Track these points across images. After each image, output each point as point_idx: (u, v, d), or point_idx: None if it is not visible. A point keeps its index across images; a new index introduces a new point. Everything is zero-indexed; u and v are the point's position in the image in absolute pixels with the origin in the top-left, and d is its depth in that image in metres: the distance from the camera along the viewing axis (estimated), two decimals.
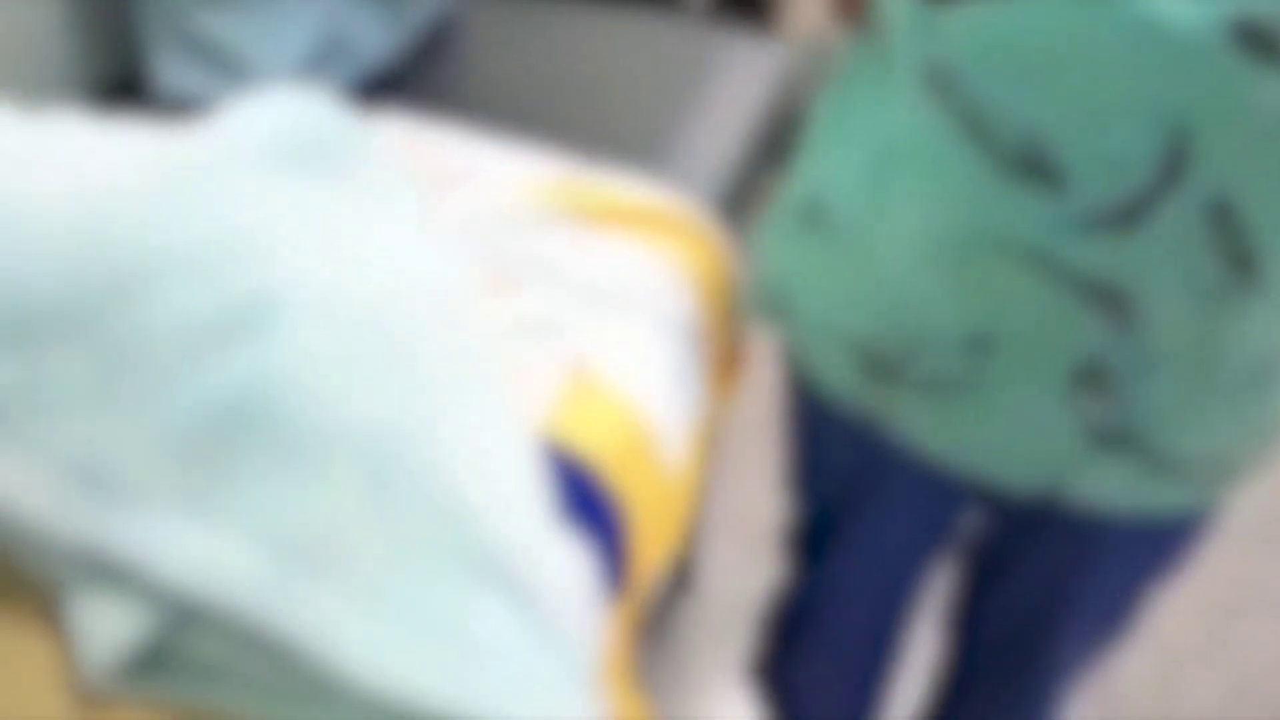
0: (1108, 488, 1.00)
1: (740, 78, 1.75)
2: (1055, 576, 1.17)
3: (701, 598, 1.98)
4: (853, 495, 1.25)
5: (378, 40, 1.58)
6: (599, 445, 1.04)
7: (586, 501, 0.99)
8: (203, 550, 0.73)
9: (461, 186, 1.31)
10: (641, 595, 1.09)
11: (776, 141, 1.81)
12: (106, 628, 0.74)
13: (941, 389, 1.01)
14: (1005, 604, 1.26)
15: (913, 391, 1.04)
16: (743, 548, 2.00)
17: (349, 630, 0.72)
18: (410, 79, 1.61)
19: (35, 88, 1.43)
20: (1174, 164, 0.78)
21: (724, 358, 1.39)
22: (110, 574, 0.75)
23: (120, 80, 1.57)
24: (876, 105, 0.97)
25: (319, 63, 1.49)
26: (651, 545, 1.08)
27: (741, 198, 1.65)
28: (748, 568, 1.92)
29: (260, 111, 0.94)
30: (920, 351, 1.00)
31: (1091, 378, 0.91)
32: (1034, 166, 0.82)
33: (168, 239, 0.80)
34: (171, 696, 0.76)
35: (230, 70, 1.45)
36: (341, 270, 0.83)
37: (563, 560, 0.82)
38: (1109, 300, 0.86)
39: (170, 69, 1.45)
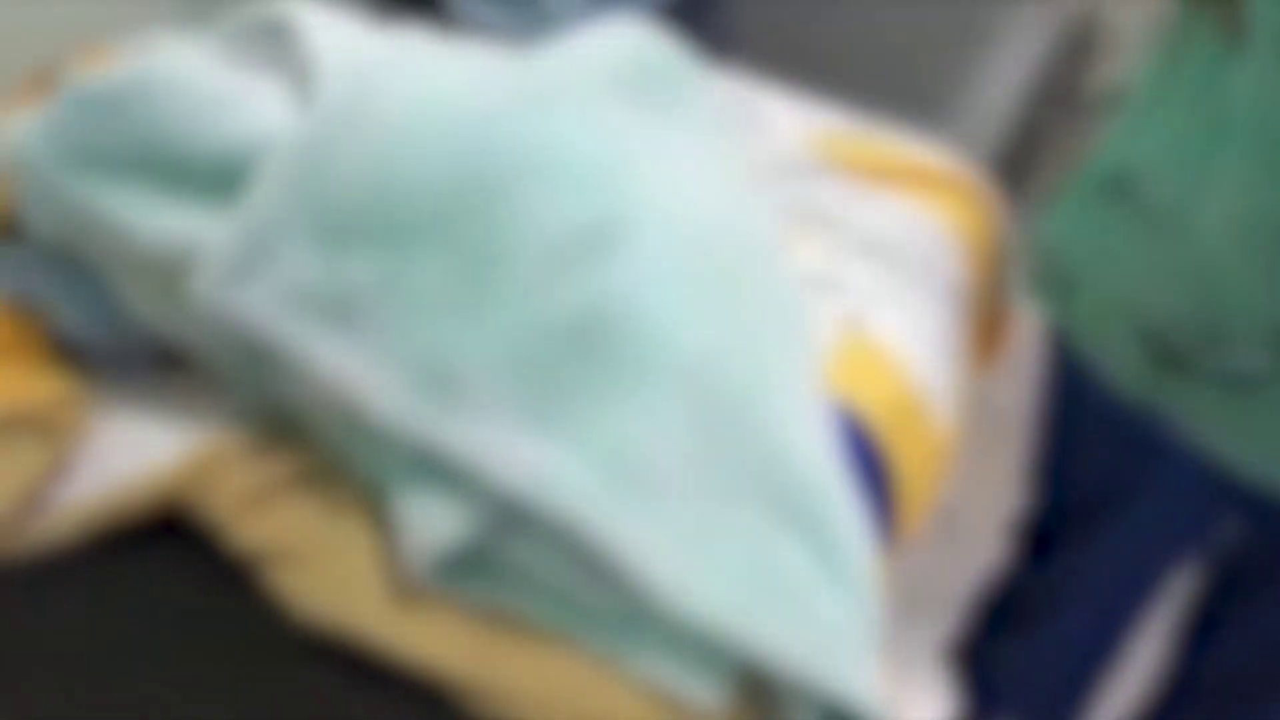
0: None
1: (1020, 38, 1.69)
2: None
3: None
4: (1108, 491, 1.21)
5: None
6: (873, 404, 1.04)
7: (861, 459, 1.00)
8: (536, 460, 0.77)
9: (746, 131, 1.31)
10: (898, 559, 1.09)
11: (1053, 105, 1.74)
12: (431, 525, 0.79)
13: (1241, 384, 0.97)
14: (1248, 627, 1.21)
15: (1206, 384, 1.00)
16: (942, 524, 1.96)
17: (666, 554, 0.75)
18: (689, 21, 1.62)
19: None
20: None
21: (986, 329, 1.36)
22: (442, 474, 0.79)
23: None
24: (1213, 75, 0.92)
25: (607, 2, 1.51)
26: (914, 509, 1.08)
27: (1018, 161, 1.60)
28: (943, 547, 1.88)
29: (605, 39, 0.96)
30: (1224, 341, 0.96)
31: None
32: None
33: (534, 153, 0.83)
34: (484, 600, 0.81)
35: (524, 6, 1.49)
36: (681, 200, 0.85)
37: (859, 512, 0.83)
38: None
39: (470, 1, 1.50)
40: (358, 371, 0.80)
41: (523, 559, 0.80)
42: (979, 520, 1.75)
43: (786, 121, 1.37)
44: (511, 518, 0.78)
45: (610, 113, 0.89)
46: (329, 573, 0.83)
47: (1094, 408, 1.15)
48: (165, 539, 0.88)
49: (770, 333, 0.86)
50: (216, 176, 0.84)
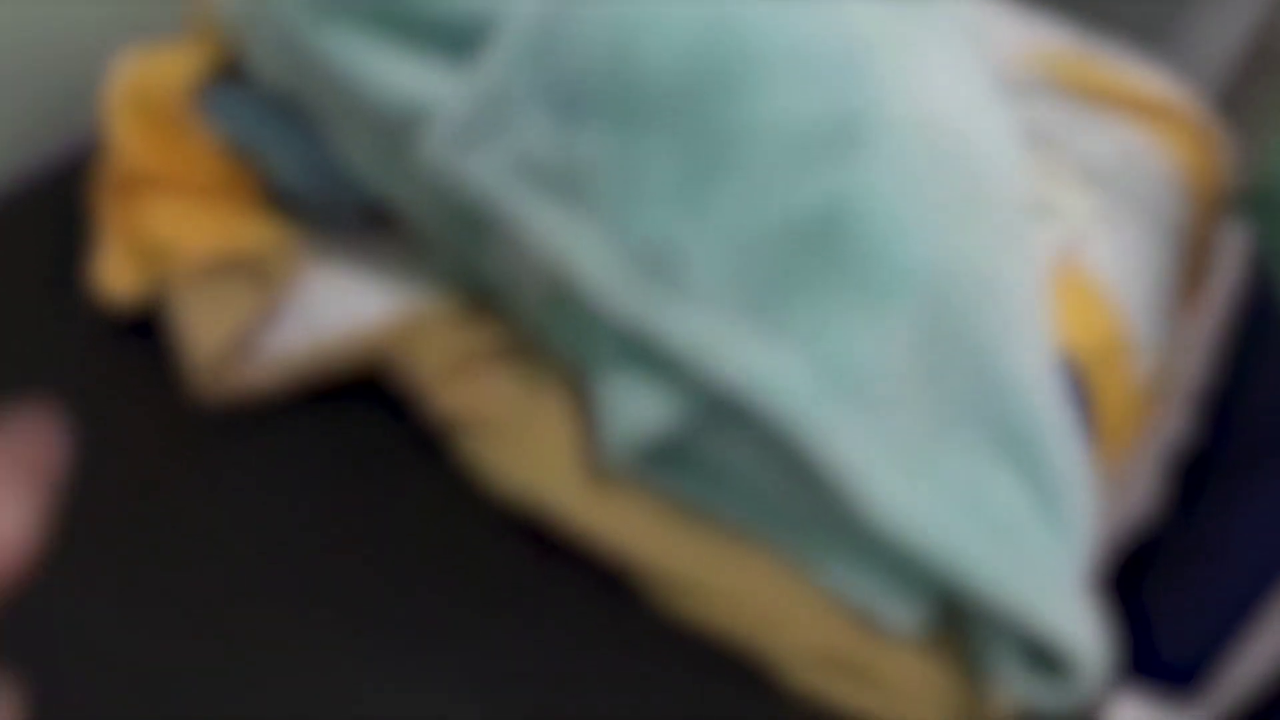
0: None
1: None
2: None
3: None
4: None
5: None
6: (1083, 342, 0.99)
7: (1068, 398, 0.95)
8: (756, 357, 0.74)
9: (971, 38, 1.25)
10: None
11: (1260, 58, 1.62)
12: (636, 410, 0.78)
13: None
14: None
15: None
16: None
17: (881, 470, 0.73)
18: None
19: None
20: None
21: (1197, 268, 1.29)
22: (653, 360, 0.77)
23: None
24: None
25: None
26: (1113, 452, 1.03)
27: (1239, 93, 1.50)
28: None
29: None
30: None
31: None
32: None
33: (779, 41, 0.78)
34: (680, 491, 0.80)
35: None
36: (923, 103, 0.81)
37: (1078, 452, 0.79)
38: None
39: None
40: (578, 247, 0.78)
41: (726, 455, 0.78)
42: (1139, 455, 1.68)
43: (1009, 35, 1.30)
44: (721, 412, 0.76)
45: (861, 5, 0.84)
46: (525, 448, 0.83)
47: None
48: (364, 396, 0.88)
49: (1003, 254, 0.81)
50: (456, 36, 0.82)
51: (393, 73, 0.82)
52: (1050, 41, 1.31)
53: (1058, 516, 0.75)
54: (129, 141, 0.93)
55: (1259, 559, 1.28)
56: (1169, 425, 1.37)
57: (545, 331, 0.85)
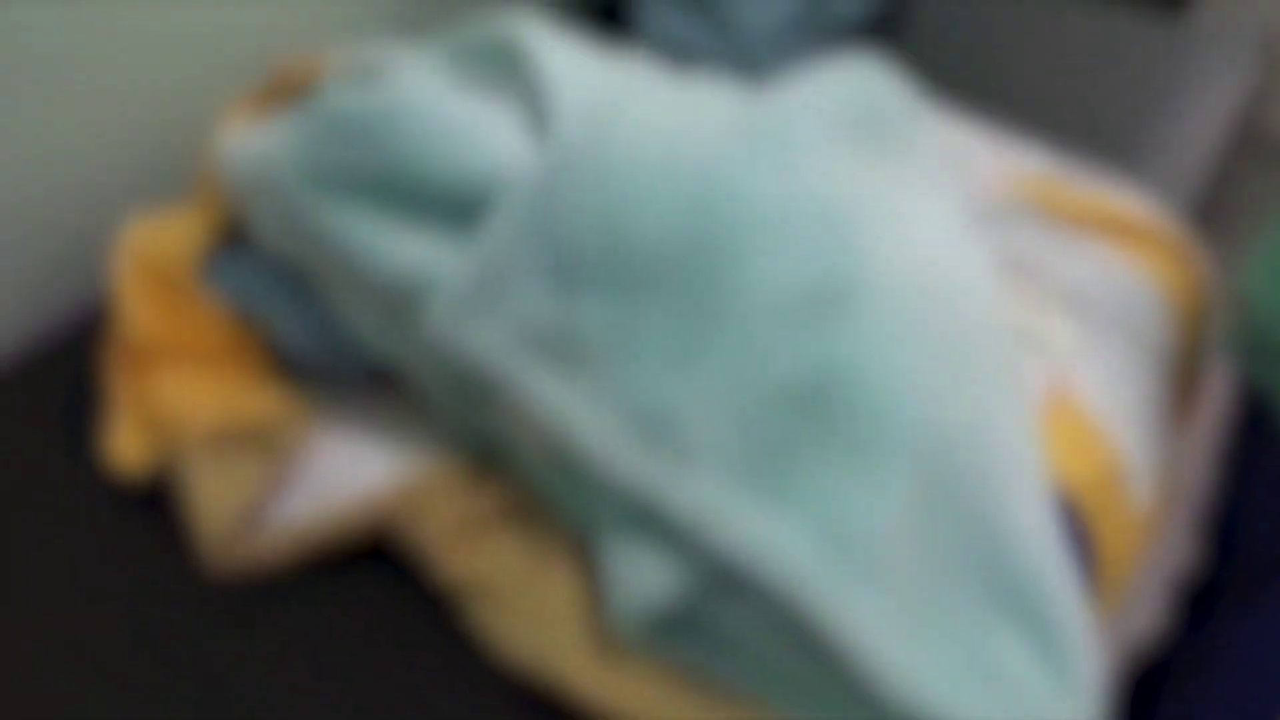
0: None
1: (1211, 76, 1.61)
2: None
3: None
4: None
5: (855, 7, 1.56)
6: (1077, 476, 1.01)
7: (1065, 534, 0.96)
8: (758, 526, 0.75)
9: (955, 169, 1.28)
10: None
11: (1245, 146, 1.66)
12: (642, 580, 0.79)
13: None
14: None
15: None
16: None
17: (885, 636, 0.73)
18: (876, 45, 1.59)
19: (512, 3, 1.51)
20: None
21: (1185, 389, 1.31)
22: (656, 527, 0.79)
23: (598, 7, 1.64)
24: None
25: (800, 23, 1.49)
26: (1114, 584, 1.04)
27: (1210, 208, 1.53)
28: None
29: (832, 79, 0.94)
30: None
31: None
32: None
33: (764, 208, 0.81)
34: (688, 661, 0.81)
35: (718, 22, 1.47)
36: (908, 257, 0.83)
37: (1078, 598, 0.80)
38: None
39: (660, 12, 1.49)
40: (579, 413, 0.80)
41: (731, 623, 0.79)
42: (1143, 579, 1.69)
43: (988, 160, 1.33)
44: (725, 581, 0.77)
45: (840, 160, 0.87)
46: (531, 615, 0.84)
47: None
48: (372, 563, 0.89)
49: (995, 402, 0.83)
50: (454, 205, 0.85)
51: (394, 245, 0.85)
52: (1027, 165, 1.34)
53: (1063, 671, 0.76)
54: (137, 312, 0.96)
55: (1268, 679, 1.29)
56: (1171, 544, 1.39)
57: (549, 493, 0.87)
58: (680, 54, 1.50)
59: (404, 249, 0.85)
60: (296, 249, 0.93)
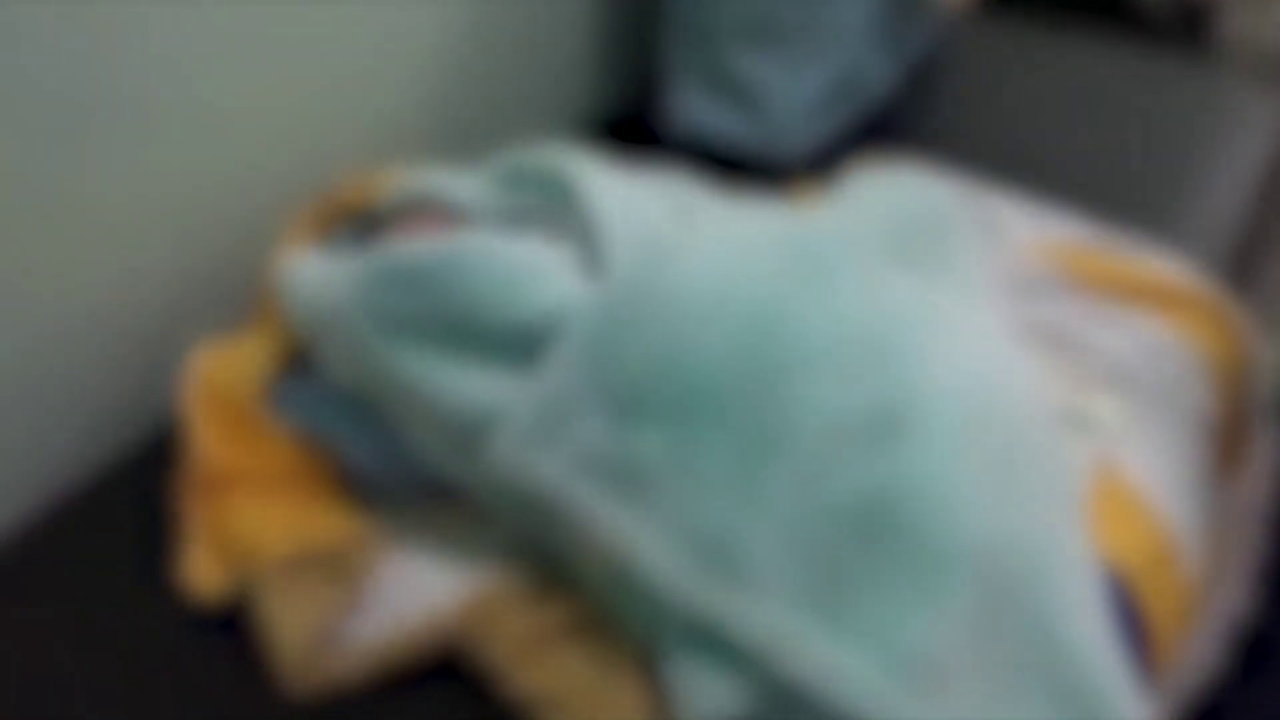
0: None
1: (1245, 132, 1.62)
2: None
3: None
4: None
5: (883, 77, 1.59)
6: (1128, 556, 1.02)
7: (1117, 615, 0.98)
8: (822, 650, 0.78)
9: (990, 242, 1.30)
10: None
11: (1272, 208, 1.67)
12: (708, 696, 0.81)
13: None
14: None
15: None
16: None
17: None
18: (898, 116, 1.62)
19: (538, 122, 1.56)
20: None
21: (1233, 449, 1.31)
22: (718, 647, 0.81)
23: (613, 119, 1.68)
24: None
25: (831, 100, 1.53)
26: (1165, 658, 1.05)
27: (1247, 263, 1.54)
28: None
29: (875, 191, 0.97)
30: None
31: None
32: None
33: (818, 336, 0.84)
34: None
35: (748, 105, 1.51)
36: (955, 374, 0.85)
37: (1140, 703, 0.82)
38: None
39: (692, 102, 1.53)
40: (640, 539, 0.83)
41: None
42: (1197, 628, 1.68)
43: (1023, 231, 1.35)
44: (790, 701, 0.79)
45: (885, 280, 0.90)
46: None
47: None
48: (444, 679, 0.92)
49: (1049, 511, 0.85)
50: (516, 344, 0.88)
51: (460, 382, 0.89)
52: (1060, 233, 1.36)
53: None
54: (207, 439, 1.00)
55: None
56: (1227, 596, 1.39)
57: (613, 609, 0.90)
58: (711, 136, 1.54)
59: (469, 385, 0.89)
60: (364, 383, 0.97)
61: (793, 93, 1.49)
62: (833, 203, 0.99)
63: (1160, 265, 1.32)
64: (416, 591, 0.95)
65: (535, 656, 0.89)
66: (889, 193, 1.00)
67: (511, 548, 0.96)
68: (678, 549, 0.83)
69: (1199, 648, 1.42)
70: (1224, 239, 1.49)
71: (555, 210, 0.99)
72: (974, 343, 0.91)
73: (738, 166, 1.51)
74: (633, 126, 1.62)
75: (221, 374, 1.03)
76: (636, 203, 0.96)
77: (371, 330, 0.92)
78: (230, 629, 0.95)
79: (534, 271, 0.90)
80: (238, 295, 1.17)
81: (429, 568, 0.97)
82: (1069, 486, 0.90)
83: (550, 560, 0.94)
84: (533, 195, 1.03)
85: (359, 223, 1.13)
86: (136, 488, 1.06)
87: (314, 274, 1.00)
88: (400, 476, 0.99)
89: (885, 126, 1.59)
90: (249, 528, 0.96)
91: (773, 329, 0.85)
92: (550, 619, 0.91)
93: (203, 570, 0.96)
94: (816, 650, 0.78)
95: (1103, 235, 1.36)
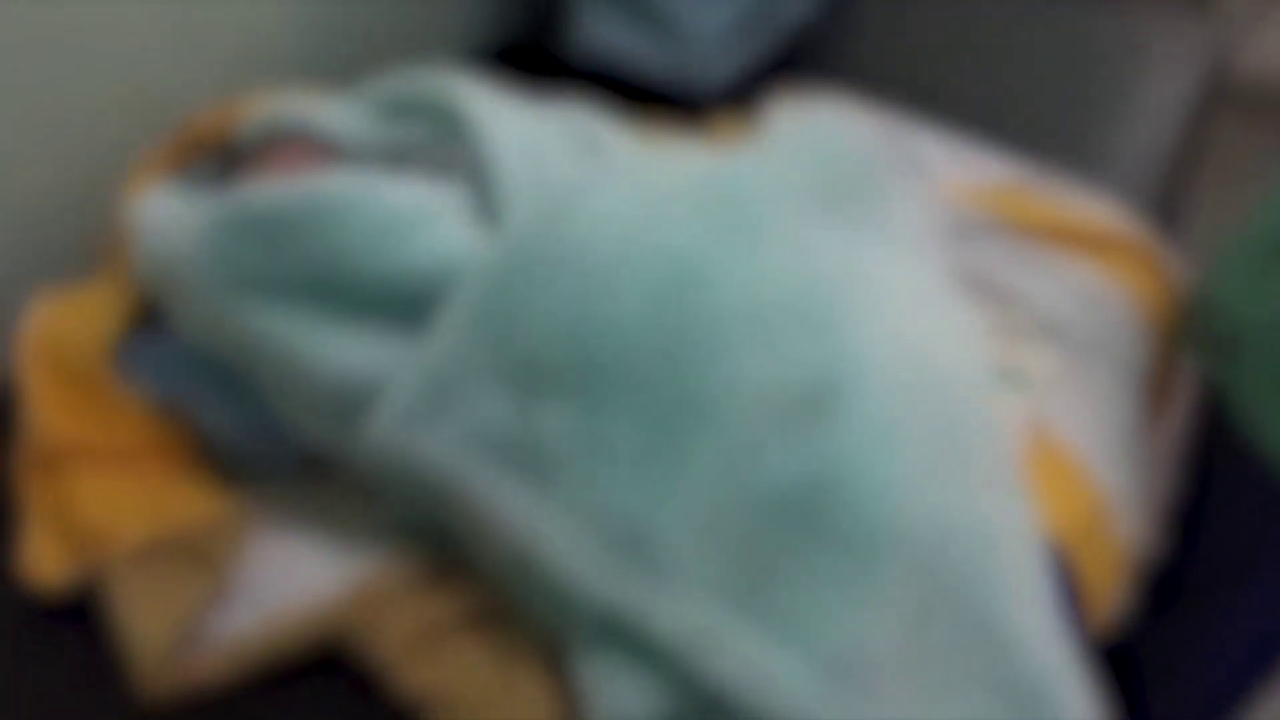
0: None
1: (1168, 65, 1.57)
2: None
3: None
4: (1244, 556, 1.15)
5: (800, 6, 1.50)
6: (1064, 526, 0.97)
7: (1055, 589, 0.92)
8: (750, 649, 0.70)
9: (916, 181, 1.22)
10: None
11: (1205, 138, 1.62)
12: (622, 696, 0.73)
13: None
14: None
15: None
16: None
17: None
18: (817, 48, 1.52)
19: (423, 48, 1.43)
20: None
21: (1161, 392, 1.28)
22: (634, 645, 0.73)
23: (510, 44, 1.55)
24: None
25: (747, 27, 1.43)
26: (1099, 617, 1.01)
27: (1171, 201, 1.50)
28: None
29: (800, 134, 0.88)
30: None
31: None
32: None
33: (737, 299, 0.74)
34: None
35: (660, 29, 1.40)
36: (892, 344, 0.77)
37: (1087, 692, 0.76)
38: None
39: (599, 25, 1.41)
40: (546, 524, 0.74)
41: None
42: None
43: (950, 170, 1.28)
44: (709, 704, 0.71)
45: (814, 235, 0.80)
46: None
47: (1244, 469, 1.09)
48: (325, 676, 0.82)
49: (990, 489, 0.78)
50: (398, 302, 0.77)
51: (333, 346, 0.78)
52: (990, 173, 1.29)
53: None
54: (47, 410, 0.87)
55: (1230, 670, 1.28)
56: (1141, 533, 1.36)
57: (515, 600, 0.80)
58: (619, 62, 1.43)
59: (345, 350, 0.78)
60: (221, 345, 0.85)
61: (708, 17, 1.39)
62: (755, 144, 0.88)
63: (1089, 207, 1.26)
64: (292, 579, 0.84)
65: (427, 652, 0.80)
66: (814, 134, 0.90)
67: (400, 528, 0.86)
68: (586, 537, 0.74)
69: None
70: (1149, 173, 1.44)
71: (442, 145, 0.87)
72: (907, 305, 0.83)
73: (648, 96, 1.40)
74: (532, 53, 1.50)
75: (63, 330, 0.90)
76: (535, 137, 0.84)
77: (226, 286, 0.80)
78: (78, 621, 0.84)
79: (416, 217, 0.79)
80: (83, 239, 1.03)
81: (306, 552, 0.86)
82: (1008, 458, 0.82)
83: (444, 543, 0.84)
84: (416, 127, 0.91)
85: (219, 156, 0.99)
86: None
87: (164, 215, 0.87)
88: (269, 448, 0.88)
89: (803, 57, 1.50)
90: (97, 509, 0.84)
91: (690, 290, 0.75)
92: (444, 610, 0.82)
93: (46, 556, 0.84)
94: (740, 648, 0.70)
95: (1030, 174, 1.30)
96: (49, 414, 0.87)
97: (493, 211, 0.80)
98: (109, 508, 0.84)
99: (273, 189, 0.81)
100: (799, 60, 1.49)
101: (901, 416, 0.75)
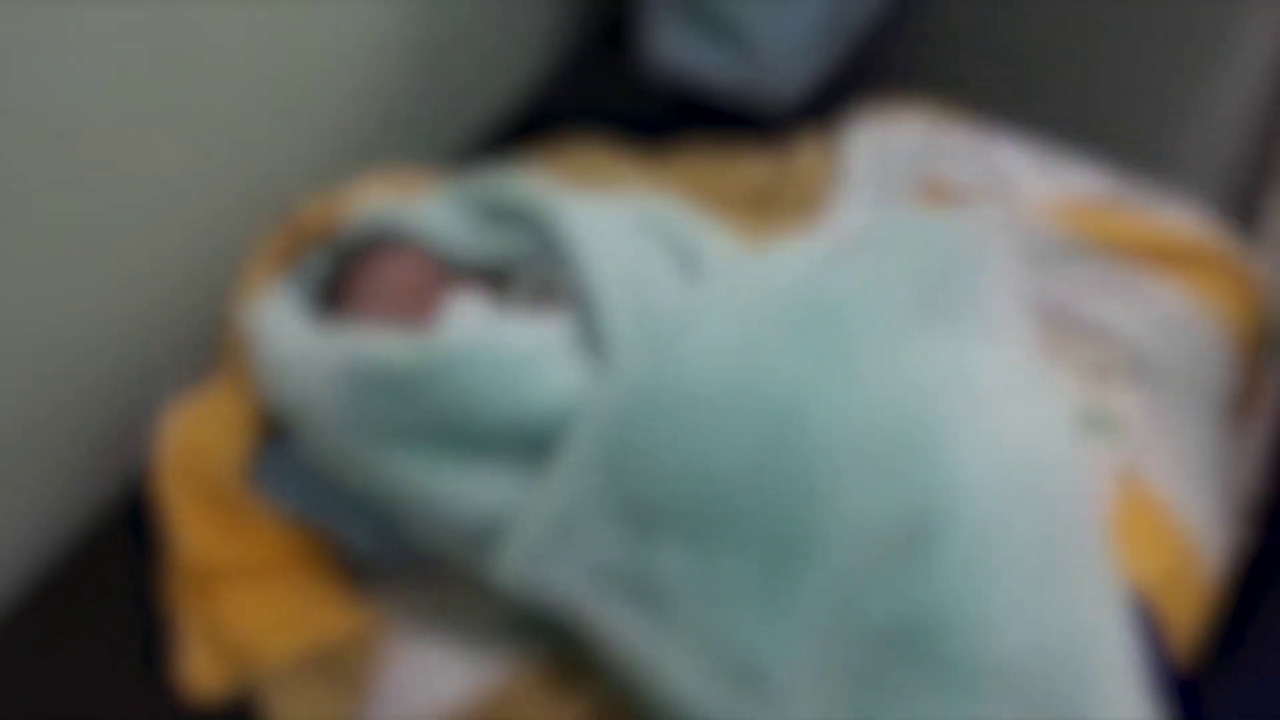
0: None
1: (1243, 57, 1.52)
2: None
3: None
4: None
5: (865, 14, 1.47)
6: (1151, 575, 0.99)
7: (1138, 632, 0.96)
8: None
9: (986, 199, 1.22)
10: None
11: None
12: None
13: None
14: None
15: None
16: None
17: None
18: (891, 56, 1.49)
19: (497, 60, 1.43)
20: None
21: (1249, 399, 1.28)
22: None
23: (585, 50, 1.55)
24: None
25: (815, 41, 1.41)
26: (1180, 663, 1.05)
27: (1250, 201, 1.47)
28: None
29: (902, 233, 0.89)
30: None
31: None
32: None
33: (840, 422, 0.78)
34: None
35: (733, 41, 1.38)
36: (991, 459, 0.79)
37: None
38: None
39: (671, 39, 1.40)
40: (664, 654, 0.79)
41: None
42: None
43: (1034, 184, 1.27)
44: None
45: (914, 342, 0.82)
46: None
47: None
48: None
49: (1095, 612, 0.81)
50: (519, 442, 0.82)
51: (461, 485, 0.83)
52: (1073, 187, 1.28)
53: None
54: (191, 527, 0.93)
55: None
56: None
57: (638, 708, 0.86)
58: (692, 76, 1.42)
59: (474, 490, 0.83)
60: (353, 482, 0.90)
61: (778, 27, 1.37)
62: (854, 245, 0.90)
63: (1173, 219, 1.25)
64: (427, 683, 0.91)
65: None
66: (913, 234, 0.91)
67: (526, 629, 0.92)
68: (702, 666, 0.79)
69: None
70: (1227, 173, 1.42)
71: (541, 260, 0.91)
72: (1001, 398, 0.84)
73: (722, 113, 1.40)
74: (603, 67, 1.50)
75: (198, 445, 0.96)
76: (634, 259, 0.87)
77: (357, 435, 0.85)
78: None
79: (531, 362, 0.83)
80: (204, 336, 1.08)
81: (439, 657, 0.92)
82: (1110, 571, 0.85)
83: (569, 645, 0.90)
84: (514, 236, 0.94)
85: (326, 252, 1.03)
86: (111, 564, 1.00)
87: (284, 343, 0.92)
88: (402, 556, 0.94)
89: (877, 66, 1.47)
90: (248, 627, 0.91)
91: (794, 429, 0.78)
92: (572, 712, 0.88)
93: (202, 669, 0.91)
94: None
95: (1111, 181, 1.28)
96: (193, 531, 0.93)
97: (599, 345, 0.84)
98: (259, 625, 0.91)
99: (392, 344, 0.86)
100: (874, 70, 1.47)
101: (1000, 539, 0.77)
